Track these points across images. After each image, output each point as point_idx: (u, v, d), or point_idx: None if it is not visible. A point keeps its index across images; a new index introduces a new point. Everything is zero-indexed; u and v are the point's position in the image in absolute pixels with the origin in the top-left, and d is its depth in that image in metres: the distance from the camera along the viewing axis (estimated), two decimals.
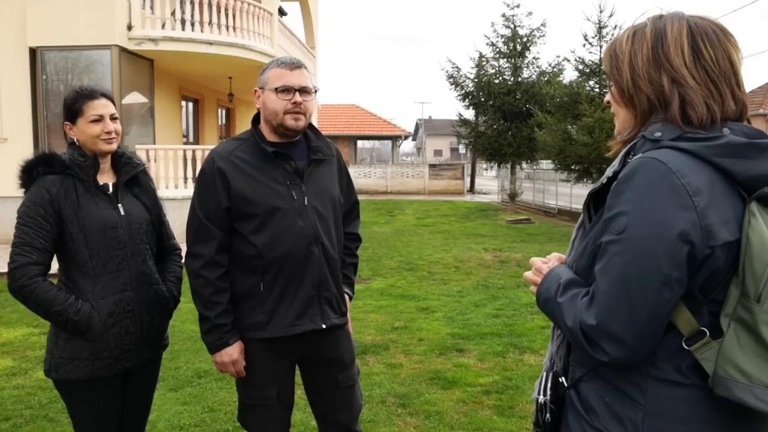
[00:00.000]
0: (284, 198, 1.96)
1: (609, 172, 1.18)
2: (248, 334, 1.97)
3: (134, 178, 2.07)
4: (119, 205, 1.99)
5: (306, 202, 1.99)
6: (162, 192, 10.05)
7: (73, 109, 1.95)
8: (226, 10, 11.43)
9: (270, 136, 2.03)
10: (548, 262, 1.33)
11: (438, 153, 70.98)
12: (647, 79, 1.15)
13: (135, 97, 11.32)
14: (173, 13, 10.96)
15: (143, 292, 2.00)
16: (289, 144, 2.04)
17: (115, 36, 10.12)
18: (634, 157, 1.13)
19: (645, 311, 1.04)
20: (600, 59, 11.81)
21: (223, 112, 17.06)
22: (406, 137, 34.49)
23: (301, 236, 1.95)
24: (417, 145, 75.41)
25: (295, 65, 1.99)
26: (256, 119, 2.09)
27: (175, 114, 13.26)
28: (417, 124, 72.92)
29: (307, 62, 17.37)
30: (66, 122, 1.98)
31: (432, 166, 28.22)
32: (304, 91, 1.98)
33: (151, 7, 11.13)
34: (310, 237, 1.97)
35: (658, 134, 1.12)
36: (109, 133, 1.96)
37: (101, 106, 1.96)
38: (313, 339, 2.01)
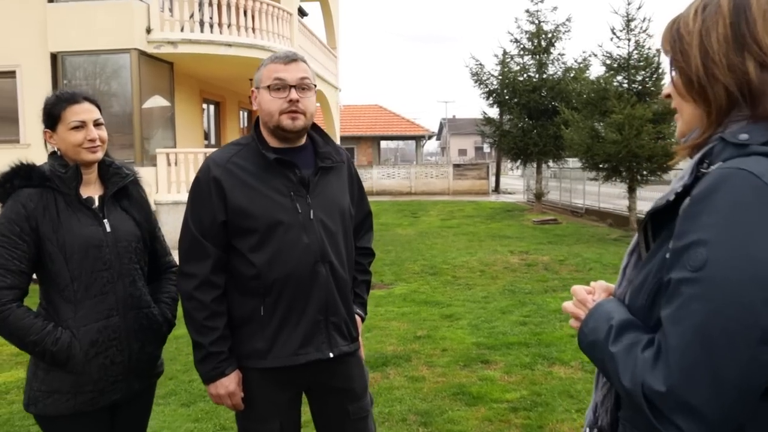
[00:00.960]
0: (287, 211, 1.74)
1: (677, 185, 0.92)
2: (247, 363, 1.76)
3: (124, 190, 1.86)
4: (105, 220, 1.78)
5: (312, 216, 1.77)
6: (183, 196, 9.99)
7: (52, 114, 1.77)
8: (245, 11, 11.32)
9: (271, 141, 1.82)
10: (593, 292, 1.08)
11: (462, 152, 70.43)
12: (725, 66, 0.89)
13: (156, 101, 11.28)
14: (192, 16, 10.89)
15: (131, 317, 1.80)
16: (293, 150, 1.82)
17: (134, 39, 10.07)
18: (712, 168, 0.87)
19: (735, 378, 0.79)
20: (629, 53, 11.40)
21: (245, 114, 17.00)
22: (429, 137, 34.20)
23: (305, 254, 1.74)
24: (441, 144, 74.98)
25: (290, 58, 1.77)
26: (258, 123, 1.88)
27: (196, 117, 13.21)
28: (441, 123, 72.47)
29: (328, 62, 17.23)
30: (45, 129, 1.80)
31: (456, 166, 27.86)
32: (301, 87, 1.76)
33: (170, 10, 11.07)
34: (317, 255, 1.76)
35: (744, 137, 0.87)
36: (92, 140, 1.76)
37: (84, 111, 1.76)
38: (320, 368, 1.79)
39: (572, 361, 4.57)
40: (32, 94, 10.30)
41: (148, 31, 10.37)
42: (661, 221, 0.95)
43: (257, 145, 1.79)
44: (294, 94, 1.74)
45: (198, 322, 1.72)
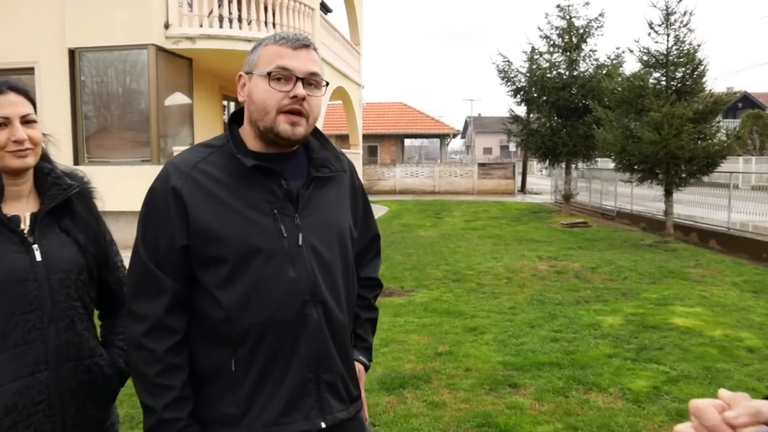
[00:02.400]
0: (268, 234, 1.34)
1: None
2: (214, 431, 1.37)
3: (65, 205, 1.46)
4: (34, 246, 1.39)
5: (301, 241, 1.36)
6: None
7: None
8: (266, 6, 11.02)
9: (252, 143, 1.41)
10: (735, 414, 0.64)
11: (487, 151, 69.64)
12: None
13: (177, 98, 11.05)
14: (211, 12, 10.61)
15: (67, 371, 1.40)
16: (279, 156, 1.42)
17: (152, 35, 9.84)
18: None
19: None
20: (667, 49, 10.77)
21: None
22: (454, 135, 33.64)
23: (291, 292, 1.34)
24: (466, 143, 74.30)
25: (300, 43, 1.37)
26: (235, 118, 1.47)
27: (216, 114, 12.96)
28: (466, 121, 71.78)
29: (351, 59, 16.86)
30: None
31: (481, 165, 27.29)
32: (311, 82, 1.37)
33: (189, 5, 10.82)
34: (305, 293, 1.35)
35: None
36: (19, 142, 1.37)
37: (8, 105, 1.38)
38: None
39: (611, 387, 4.12)
40: (51, 91, 10.16)
41: (167, 26, 10.13)
42: None
43: (232, 149, 1.38)
44: (301, 89, 1.35)
45: (148, 379, 1.32)
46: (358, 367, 1.55)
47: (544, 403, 3.86)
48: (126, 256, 1.43)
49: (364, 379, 1.58)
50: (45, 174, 1.45)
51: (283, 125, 1.35)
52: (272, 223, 1.35)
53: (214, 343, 1.35)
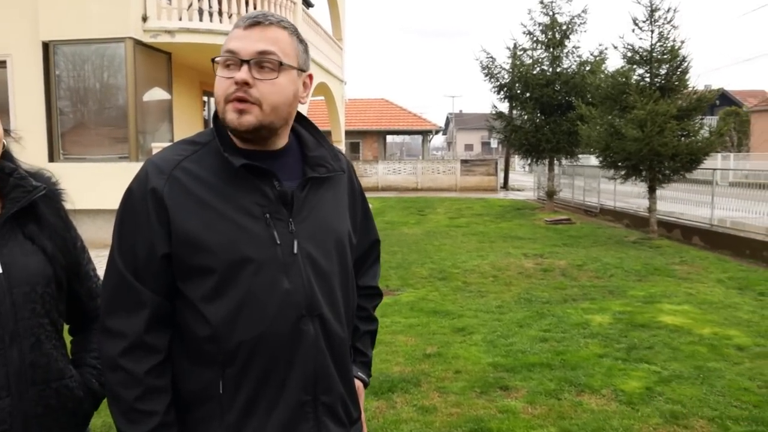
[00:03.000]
0: (259, 242, 1.21)
1: None
2: None
3: (30, 209, 1.30)
4: None
5: (296, 249, 1.23)
6: None
7: None
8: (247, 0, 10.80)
9: (239, 140, 1.28)
10: None
11: (469, 147, 69.84)
12: None
13: (156, 93, 10.79)
14: (191, 5, 10.36)
15: (32, 396, 1.25)
16: (270, 153, 1.28)
17: (129, 28, 9.57)
18: None
19: None
20: (651, 45, 10.77)
21: None
22: (437, 132, 33.60)
23: (285, 306, 1.21)
24: (447, 139, 74.44)
25: (252, 20, 1.22)
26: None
27: (196, 110, 12.70)
28: (447, 118, 71.89)
29: (333, 54, 16.67)
30: None
31: (464, 161, 27.28)
32: (259, 63, 1.20)
33: None
34: (301, 306, 1.22)
35: None
36: None
37: None
38: None
39: (603, 388, 4.05)
40: (24, 85, 9.86)
41: (144, 19, 9.87)
42: None
43: (219, 146, 1.25)
44: (242, 73, 1.19)
45: (126, 404, 1.18)
46: (358, 384, 1.43)
47: (537, 406, 3.77)
48: (104, 257, 1.29)
49: (364, 398, 1.46)
50: (6, 174, 1.29)
51: (231, 114, 1.21)
52: (264, 229, 1.22)
53: (199, 363, 1.22)
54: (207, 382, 1.21)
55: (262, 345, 1.20)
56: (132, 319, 1.19)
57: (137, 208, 1.21)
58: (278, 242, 1.22)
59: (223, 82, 1.21)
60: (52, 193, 1.35)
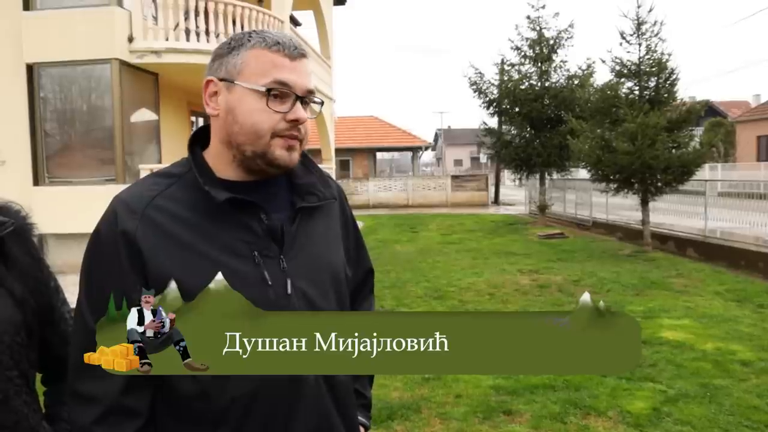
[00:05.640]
0: (248, 283, 1.07)
1: None
2: None
3: None
4: None
5: (290, 288, 1.11)
6: None
7: None
8: (234, 19, 10.73)
9: (225, 170, 1.15)
10: None
11: (458, 162, 70.06)
12: None
13: (143, 114, 10.66)
14: (177, 26, 10.28)
15: None
16: (255, 184, 1.15)
17: (115, 49, 9.45)
18: None
19: None
20: (639, 58, 10.81)
21: None
22: (426, 148, 33.64)
23: None
24: (437, 155, 74.67)
25: (298, 52, 1.12)
26: (197, 138, 1.21)
27: (184, 131, 12.56)
28: (436, 134, 72.17)
29: (322, 72, 16.65)
30: None
31: (454, 177, 27.31)
32: (306, 101, 1.13)
33: (154, 18, 10.45)
34: None
35: None
36: None
37: None
38: None
39: (609, 410, 3.92)
40: (7, 108, 9.68)
41: (130, 39, 9.76)
42: None
43: (197, 177, 1.13)
44: (302, 112, 1.11)
45: None
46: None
47: (542, 431, 3.63)
48: None
49: None
50: None
51: (280, 151, 1.10)
52: (253, 269, 1.09)
53: (186, 423, 1.08)
54: None
55: (258, 400, 1.07)
56: (106, 381, 1.04)
57: (106, 255, 1.08)
58: (269, 282, 1.10)
59: (272, 116, 1.10)
60: (21, 229, 1.20)
